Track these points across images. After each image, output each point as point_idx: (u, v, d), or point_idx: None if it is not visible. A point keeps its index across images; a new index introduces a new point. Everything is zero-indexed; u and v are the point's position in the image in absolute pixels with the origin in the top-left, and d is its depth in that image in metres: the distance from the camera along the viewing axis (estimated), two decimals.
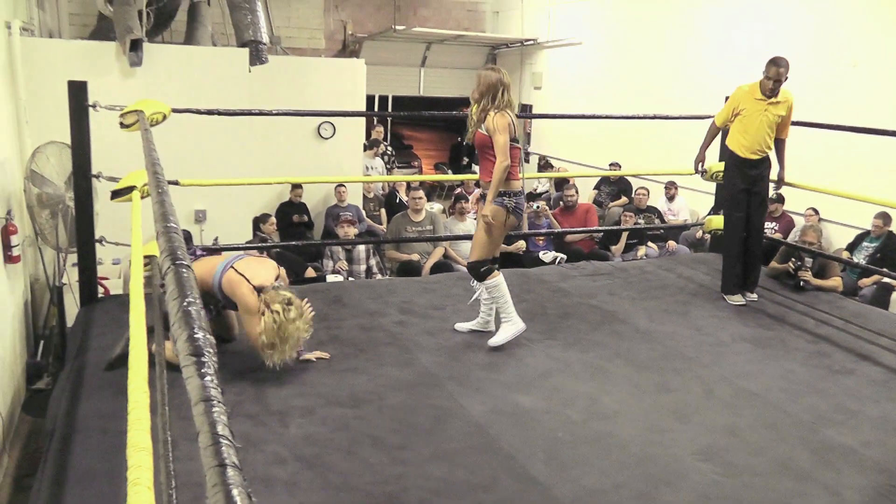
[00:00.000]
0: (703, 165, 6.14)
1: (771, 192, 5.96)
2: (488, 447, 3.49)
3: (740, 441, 3.64)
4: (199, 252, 4.34)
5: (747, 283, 5.83)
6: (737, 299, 5.73)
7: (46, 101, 6.65)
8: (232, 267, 4.04)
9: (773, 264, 6.30)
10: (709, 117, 6.64)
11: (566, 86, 14.49)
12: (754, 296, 5.82)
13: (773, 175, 5.86)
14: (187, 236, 8.04)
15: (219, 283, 4.05)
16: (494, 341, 4.61)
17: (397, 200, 10.90)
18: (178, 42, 10.41)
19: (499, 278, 4.64)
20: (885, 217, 8.11)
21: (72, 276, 5.83)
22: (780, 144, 5.71)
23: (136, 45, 7.74)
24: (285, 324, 3.82)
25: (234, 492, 0.80)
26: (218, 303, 4.20)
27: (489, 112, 4.44)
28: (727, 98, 6.69)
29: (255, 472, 3.13)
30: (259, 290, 3.95)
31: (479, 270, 4.62)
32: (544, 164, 14.06)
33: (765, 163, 5.66)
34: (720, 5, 10.82)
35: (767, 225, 9.27)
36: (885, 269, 6.64)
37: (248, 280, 3.98)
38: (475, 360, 4.46)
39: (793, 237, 8.73)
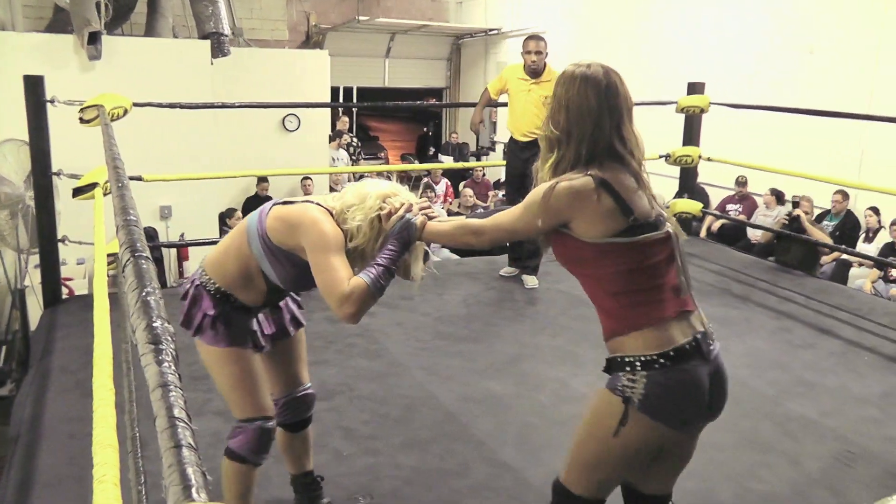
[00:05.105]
0: (482, 126, 5.94)
1: None
2: (460, 434, 3.50)
3: None
4: None
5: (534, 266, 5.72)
6: (507, 270, 5.84)
7: (2, 97, 6.53)
8: (276, 205, 2.49)
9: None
10: (672, 103, 6.63)
11: None
12: (534, 280, 5.63)
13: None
14: (152, 233, 7.96)
15: (261, 238, 2.43)
16: None
17: None
18: (138, 34, 10.25)
19: None
20: (843, 194, 8.37)
21: (34, 278, 5.76)
22: None
23: (94, 38, 7.63)
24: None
25: (189, 471, 0.80)
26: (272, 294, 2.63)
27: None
28: (688, 84, 6.71)
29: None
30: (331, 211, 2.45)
31: None
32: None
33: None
34: None
35: (731, 206, 9.42)
36: (843, 247, 7.08)
37: (314, 203, 2.45)
38: (445, 349, 4.47)
39: (755, 217, 8.86)
